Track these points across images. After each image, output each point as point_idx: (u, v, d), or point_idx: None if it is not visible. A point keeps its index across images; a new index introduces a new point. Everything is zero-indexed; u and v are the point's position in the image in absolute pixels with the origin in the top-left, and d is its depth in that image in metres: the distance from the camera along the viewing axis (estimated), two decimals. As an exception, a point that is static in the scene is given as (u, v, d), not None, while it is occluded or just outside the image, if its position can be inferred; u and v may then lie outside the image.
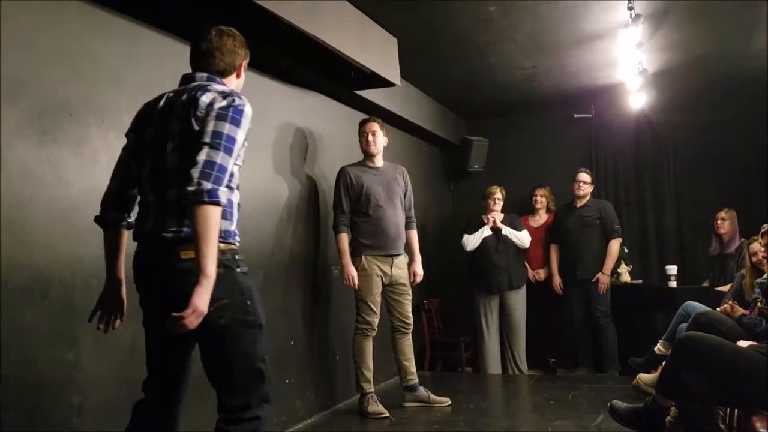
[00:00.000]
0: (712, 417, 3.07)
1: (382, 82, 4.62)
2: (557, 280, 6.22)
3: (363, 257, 4.40)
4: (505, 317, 6.03)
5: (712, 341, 3.02)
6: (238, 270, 2.17)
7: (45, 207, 2.58)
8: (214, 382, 2.18)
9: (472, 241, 5.93)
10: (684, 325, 4.06)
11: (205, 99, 2.15)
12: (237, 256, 2.18)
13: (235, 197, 2.24)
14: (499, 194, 5.95)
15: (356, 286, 4.36)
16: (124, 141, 2.86)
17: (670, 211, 6.90)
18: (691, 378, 2.89)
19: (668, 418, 3.35)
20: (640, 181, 7.03)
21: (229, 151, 2.07)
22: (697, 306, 4.27)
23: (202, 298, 1.95)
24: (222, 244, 2.08)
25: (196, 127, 2.11)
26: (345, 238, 4.41)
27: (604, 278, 5.94)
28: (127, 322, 2.90)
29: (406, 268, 4.57)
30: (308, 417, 4.29)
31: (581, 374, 6.00)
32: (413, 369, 4.61)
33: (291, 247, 4.27)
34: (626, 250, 6.33)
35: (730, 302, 3.86)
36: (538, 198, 6.55)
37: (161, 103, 2.26)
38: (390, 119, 5.71)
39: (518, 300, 6.02)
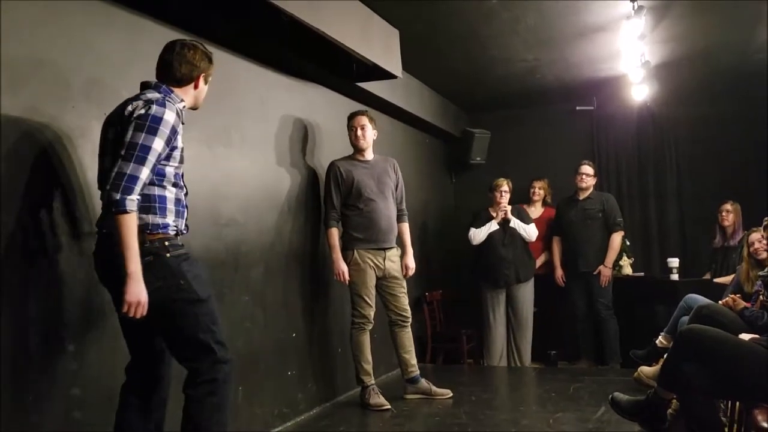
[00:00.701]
0: (713, 410, 3.07)
1: (384, 75, 4.61)
2: (559, 272, 6.22)
3: (355, 251, 4.38)
4: (512, 310, 6.03)
5: (714, 334, 3.02)
6: (168, 255, 2.41)
7: (47, 199, 2.58)
8: (172, 354, 2.52)
9: (479, 235, 5.91)
10: (685, 318, 4.06)
11: (130, 108, 2.38)
12: (167, 243, 2.43)
13: (170, 193, 2.48)
14: (506, 186, 5.91)
15: (347, 282, 4.35)
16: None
17: (672, 203, 6.90)
18: (693, 371, 2.89)
19: (669, 411, 3.36)
20: (642, 173, 7.03)
21: (141, 160, 2.30)
22: (698, 299, 4.27)
23: (130, 292, 2.26)
24: (149, 236, 2.38)
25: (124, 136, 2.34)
26: (335, 233, 4.41)
27: (606, 271, 5.94)
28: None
29: (399, 261, 4.56)
30: (309, 409, 4.30)
31: (583, 367, 6.01)
32: (414, 361, 4.61)
33: (291, 239, 4.27)
34: (628, 243, 6.33)
35: (732, 295, 3.86)
36: (536, 190, 6.54)
37: (120, 108, 2.46)
38: (392, 111, 5.70)
39: (526, 293, 6.02)
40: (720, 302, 3.91)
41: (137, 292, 2.27)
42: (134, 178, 2.28)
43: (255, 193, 3.92)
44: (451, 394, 4.58)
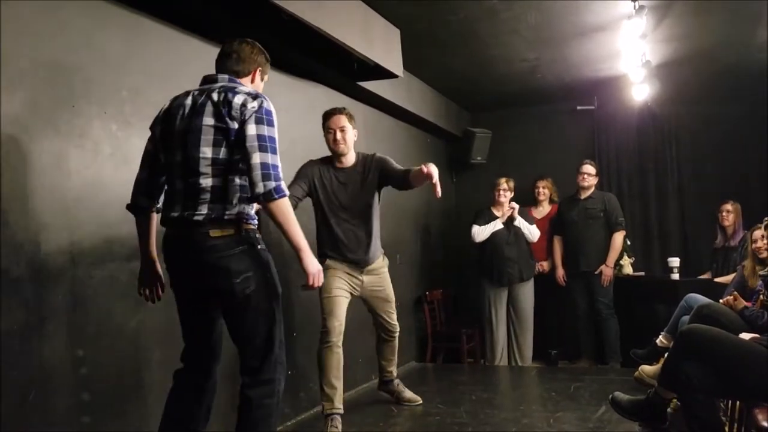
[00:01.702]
0: (714, 409, 3.07)
1: (385, 74, 4.60)
2: (560, 271, 6.22)
3: (327, 260, 3.88)
4: (513, 309, 6.03)
5: (714, 334, 3.02)
6: (259, 247, 2.47)
7: (47, 199, 2.58)
8: (238, 344, 2.50)
9: (482, 233, 5.90)
10: (686, 318, 4.05)
11: (237, 100, 2.41)
12: (257, 235, 2.49)
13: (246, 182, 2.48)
14: (505, 185, 5.93)
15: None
16: (125, 132, 2.86)
17: (672, 203, 6.90)
18: (693, 370, 2.89)
19: (670, 410, 3.37)
20: (643, 173, 7.03)
21: (274, 150, 2.39)
22: (699, 298, 4.26)
23: (311, 264, 2.50)
24: (245, 226, 2.44)
25: (233, 125, 2.39)
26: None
27: (607, 270, 5.94)
28: (132, 313, 2.93)
29: (381, 272, 4.05)
30: (312, 407, 4.30)
31: (583, 366, 6.01)
32: (391, 368, 4.35)
33: (293, 238, 4.26)
34: (629, 242, 6.33)
35: (732, 294, 3.86)
36: (541, 190, 6.54)
37: (188, 99, 2.49)
38: (392, 111, 5.70)
39: (527, 292, 6.03)
40: (721, 301, 3.91)
41: (314, 262, 2.51)
42: (277, 166, 2.38)
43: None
44: (421, 402, 4.37)
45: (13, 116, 2.46)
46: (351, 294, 3.92)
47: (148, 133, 2.56)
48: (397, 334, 4.22)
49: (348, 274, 3.91)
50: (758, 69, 5.77)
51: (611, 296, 5.97)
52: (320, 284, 2.53)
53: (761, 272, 4.02)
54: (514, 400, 4.92)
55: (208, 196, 2.40)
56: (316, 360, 3.83)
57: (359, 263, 3.91)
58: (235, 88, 2.48)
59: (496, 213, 5.95)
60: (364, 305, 4.12)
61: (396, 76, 4.69)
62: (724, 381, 2.89)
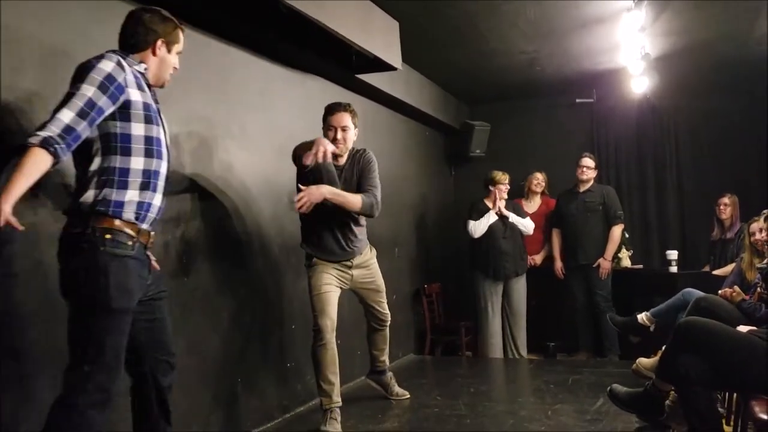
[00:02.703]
0: (711, 401, 3.08)
1: (384, 66, 4.60)
2: (559, 265, 6.23)
3: (314, 258, 3.80)
4: (507, 303, 6.04)
5: (712, 326, 3.02)
6: (102, 249, 2.18)
7: (46, 191, 2.58)
8: None
9: (479, 228, 5.90)
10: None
11: None
12: (108, 235, 2.18)
13: (136, 163, 2.26)
14: (501, 179, 5.93)
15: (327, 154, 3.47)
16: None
17: (671, 196, 6.91)
18: (691, 363, 2.90)
19: (667, 402, 3.37)
20: (642, 166, 7.03)
21: (74, 107, 2.11)
22: (696, 294, 4.27)
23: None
24: (96, 221, 2.18)
25: None
26: None
27: (605, 263, 5.95)
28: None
29: (370, 267, 4.00)
30: (309, 400, 4.31)
31: (581, 359, 6.03)
32: (383, 358, 4.30)
33: (291, 232, 4.26)
34: (627, 235, 6.33)
35: (733, 288, 3.87)
36: (539, 182, 6.52)
37: None
38: (391, 103, 5.70)
39: (521, 286, 6.04)
40: (719, 292, 3.93)
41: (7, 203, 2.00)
42: (63, 123, 2.09)
43: (254, 184, 3.92)
44: (409, 396, 4.37)
45: (15, 105, 2.45)
46: (341, 288, 3.85)
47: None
48: (388, 323, 4.16)
49: (336, 269, 3.81)
50: (758, 62, 5.77)
51: (609, 289, 5.98)
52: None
53: (759, 265, 4.02)
54: (512, 392, 4.93)
55: (75, 184, 2.28)
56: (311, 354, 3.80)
57: (347, 258, 3.84)
58: None
59: (489, 204, 5.94)
60: (355, 297, 4.10)
61: (395, 69, 4.69)
62: (721, 373, 2.90)
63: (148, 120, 2.29)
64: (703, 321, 3.09)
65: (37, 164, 2.02)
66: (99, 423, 2.15)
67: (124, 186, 2.23)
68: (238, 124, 3.78)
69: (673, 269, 5.80)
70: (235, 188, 3.72)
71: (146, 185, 2.29)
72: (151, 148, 2.30)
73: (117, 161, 2.22)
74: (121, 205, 2.22)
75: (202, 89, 3.46)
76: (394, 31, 4.66)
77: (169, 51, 2.44)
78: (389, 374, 4.40)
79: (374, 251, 4.09)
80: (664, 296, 5.38)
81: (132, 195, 2.25)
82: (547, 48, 5.55)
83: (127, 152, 2.24)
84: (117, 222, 2.21)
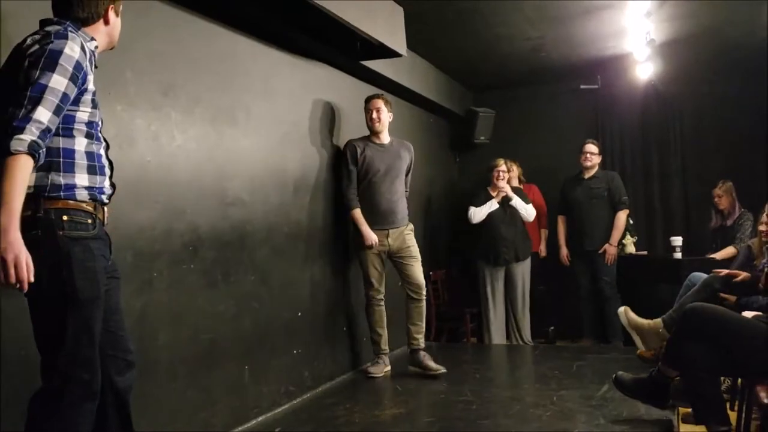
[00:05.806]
0: (717, 387, 3.09)
1: (389, 53, 4.58)
2: (564, 251, 6.25)
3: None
4: (510, 288, 6.06)
5: (718, 312, 3.04)
6: (61, 233, 2.02)
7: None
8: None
9: (478, 214, 5.92)
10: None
11: (29, 42, 2.04)
12: (65, 216, 2.03)
13: (80, 145, 2.12)
14: (504, 167, 5.93)
15: (375, 244, 4.60)
16: (130, 113, 2.85)
17: (676, 182, 6.89)
18: (697, 349, 2.92)
19: (673, 388, 3.38)
20: (647, 152, 7.01)
21: (45, 102, 1.96)
22: (703, 276, 4.29)
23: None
24: (48, 202, 2.02)
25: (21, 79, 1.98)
26: (359, 213, 4.60)
27: (611, 249, 5.96)
28: (138, 295, 2.94)
29: (406, 237, 4.73)
30: (316, 386, 4.34)
31: (586, 345, 6.05)
32: (417, 335, 4.72)
33: (297, 219, 4.28)
34: (631, 221, 6.34)
35: (741, 275, 3.91)
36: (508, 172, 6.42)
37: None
38: (396, 90, 5.68)
39: (524, 271, 6.05)
40: (724, 272, 3.98)
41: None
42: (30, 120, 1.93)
43: (260, 172, 3.92)
44: (444, 370, 4.60)
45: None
46: (380, 255, 4.66)
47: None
48: (424, 294, 4.75)
49: (378, 241, 4.61)
50: (763, 47, 5.73)
51: (614, 275, 5.99)
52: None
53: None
54: (518, 378, 4.96)
55: None
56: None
57: (387, 227, 4.65)
58: (41, 29, 2.09)
59: (492, 193, 5.96)
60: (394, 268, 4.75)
61: (399, 55, 4.67)
62: (727, 359, 2.92)
63: (94, 105, 2.18)
64: (709, 307, 3.10)
65: (27, 174, 1.92)
66: (86, 415, 2.07)
67: (71, 169, 2.09)
68: (243, 111, 3.78)
69: (678, 255, 5.79)
70: (241, 175, 3.73)
71: (93, 168, 2.15)
72: (91, 131, 2.16)
73: (60, 142, 2.08)
74: (72, 188, 2.08)
75: (207, 76, 3.46)
76: (398, 17, 4.65)
77: (117, 14, 2.29)
78: (422, 353, 4.72)
79: (412, 225, 4.86)
80: (668, 282, 5.41)
81: (81, 178, 2.11)
82: (552, 34, 5.53)
83: (69, 134, 2.10)
84: (71, 202, 2.06)
